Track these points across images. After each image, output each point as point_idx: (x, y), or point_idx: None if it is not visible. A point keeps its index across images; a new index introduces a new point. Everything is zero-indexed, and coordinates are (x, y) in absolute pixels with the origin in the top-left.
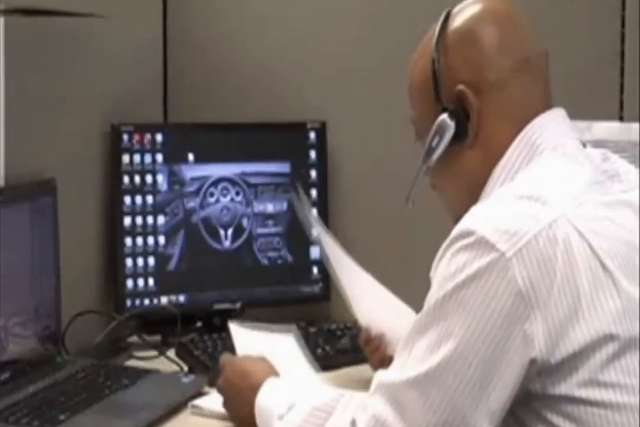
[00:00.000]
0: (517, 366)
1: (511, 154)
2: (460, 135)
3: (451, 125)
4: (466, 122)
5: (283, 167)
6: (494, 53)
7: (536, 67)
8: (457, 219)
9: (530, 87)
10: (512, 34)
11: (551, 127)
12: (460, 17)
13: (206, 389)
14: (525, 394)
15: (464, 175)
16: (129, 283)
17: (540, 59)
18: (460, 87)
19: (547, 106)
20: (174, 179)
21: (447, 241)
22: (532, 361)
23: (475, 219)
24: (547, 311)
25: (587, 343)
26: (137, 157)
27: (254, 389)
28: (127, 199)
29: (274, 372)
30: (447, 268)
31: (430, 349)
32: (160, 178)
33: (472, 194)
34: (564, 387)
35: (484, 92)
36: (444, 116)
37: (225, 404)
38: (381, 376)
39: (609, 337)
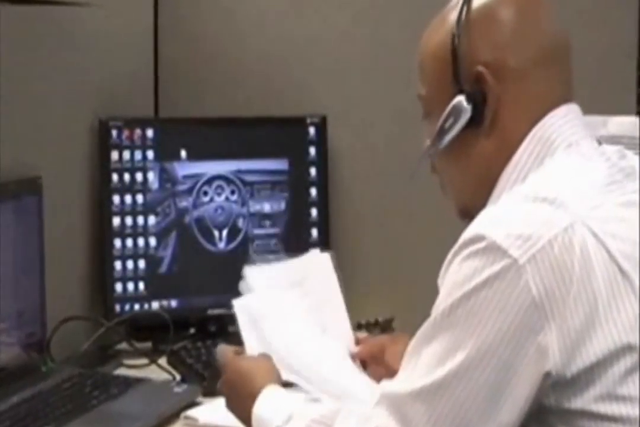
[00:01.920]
0: (530, 379)
1: (523, 152)
2: (474, 120)
3: (468, 108)
4: (483, 107)
5: (281, 165)
6: (518, 38)
7: (559, 59)
8: (458, 205)
9: (552, 80)
10: (538, 22)
11: (564, 123)
12: None
13: (200, 399)
14: (539, 408)
15: (475, 163)
16: (118, 287)
17: (564, 51)
18: (480, 68)
19: (564, 101)
20: (166, 177)
21: (456, 246)
22: (547, 374)
23: (485, 223)
24: (562, 321)
25: (605, 354)
26: (126, 154)
27: (253, 396)
28: (116, 198)
29: (274, 376)
30: (456, 275)
31: (437, 360)
32: (151, 176)
33: (480, 184)
34: (580, 401)
35: (504, 78)
36: (461, 98)
37: (227, 406)
38: (385, 386)
39: (627, 348)
